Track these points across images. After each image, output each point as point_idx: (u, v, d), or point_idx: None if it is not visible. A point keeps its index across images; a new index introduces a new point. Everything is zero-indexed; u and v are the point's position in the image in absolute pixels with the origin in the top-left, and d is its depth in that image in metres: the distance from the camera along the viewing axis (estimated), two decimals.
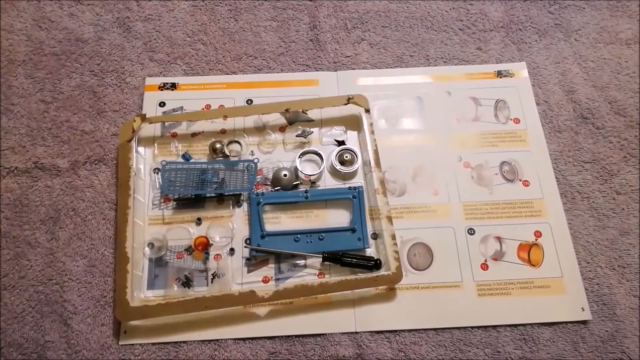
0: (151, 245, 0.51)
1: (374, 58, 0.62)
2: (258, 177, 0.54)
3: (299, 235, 0.51)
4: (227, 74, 0.61)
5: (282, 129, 0.57)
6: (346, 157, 0.54)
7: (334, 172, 0.55)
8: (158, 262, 0.50)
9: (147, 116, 0.55)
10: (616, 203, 0.54)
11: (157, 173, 0.54)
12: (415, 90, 0.60)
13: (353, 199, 0.52)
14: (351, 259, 0.49)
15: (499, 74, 0.61)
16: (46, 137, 0.56)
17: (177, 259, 0.50)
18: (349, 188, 0.53)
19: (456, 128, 0.58)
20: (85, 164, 0.55)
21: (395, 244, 0.49)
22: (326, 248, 0.50)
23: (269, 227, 0.52)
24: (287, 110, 0.56)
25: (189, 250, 0.51)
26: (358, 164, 0.54)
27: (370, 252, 0.51)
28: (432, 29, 0.64)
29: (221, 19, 0.64)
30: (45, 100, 0.58)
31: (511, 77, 0.61)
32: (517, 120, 0.58)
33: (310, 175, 0.53)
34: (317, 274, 0.50)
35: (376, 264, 0.49)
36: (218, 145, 0.54)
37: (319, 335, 0.48)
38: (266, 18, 0.64)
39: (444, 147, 0.57)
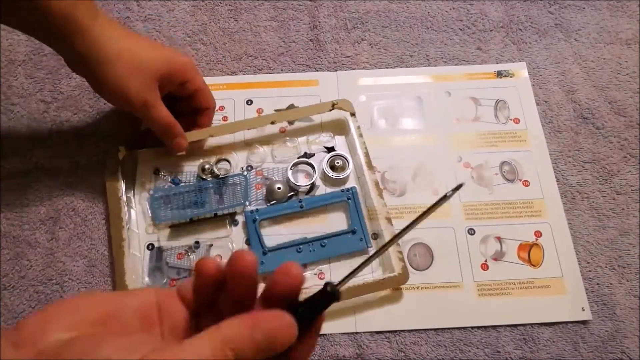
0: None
1: (374, 58, 0.62)
2: (253, 191, 0.53)
3: (301, 246, 0.50)
4: (227, 74, 0.61)
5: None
6: (337, 163, 0.54)
7: (327, 180, 0.54)
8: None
9: (130, 147, 0.53)
10: (616, 203, 0.54)
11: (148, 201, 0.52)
12: (415, 90, 0.60)
13: (348, 201, 0.52)
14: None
15: (499, 74, 0.61)
16: (46, 137, 0.56)
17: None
18: (342, 191, 0.53)
19: (456, 128, 0.58)
20: (85, 164, 0.55)
21: (398, 244, 0.49)
22: (329, 254, 0.50)
23: (269, 242, 0.50)
24: (272, 123, 0.55)
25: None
26: (350, 168, 0.54)
27: (372, 252, 0.51)
28: (432, 29, 0.64)
29: (221, 19, 0.64)
30: (45, 100, 0.58)
31: (511, 77, 0.61)
32: (517, 120, 0.58)
33: (303, 185, 0.53)
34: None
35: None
36: (207, 166, 0.53)
37: (319, 335, 0.48)
38: (266, 18, 0.64)
39: (444, 147, 0.57)
